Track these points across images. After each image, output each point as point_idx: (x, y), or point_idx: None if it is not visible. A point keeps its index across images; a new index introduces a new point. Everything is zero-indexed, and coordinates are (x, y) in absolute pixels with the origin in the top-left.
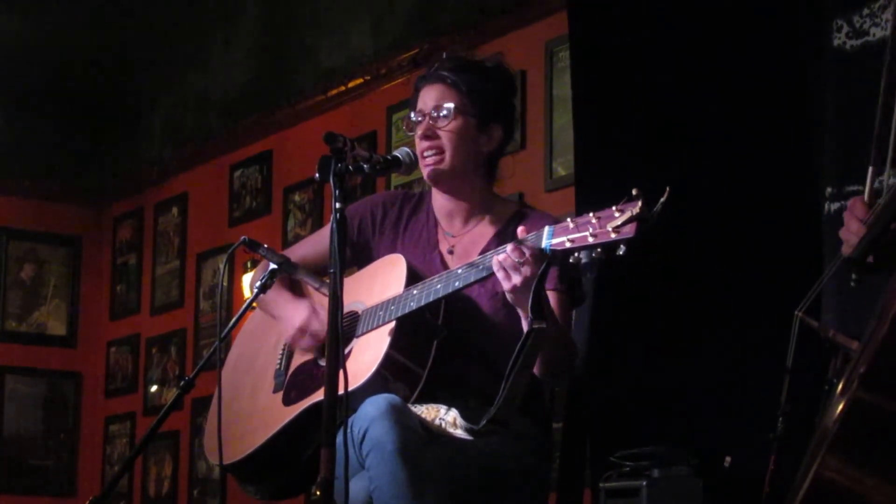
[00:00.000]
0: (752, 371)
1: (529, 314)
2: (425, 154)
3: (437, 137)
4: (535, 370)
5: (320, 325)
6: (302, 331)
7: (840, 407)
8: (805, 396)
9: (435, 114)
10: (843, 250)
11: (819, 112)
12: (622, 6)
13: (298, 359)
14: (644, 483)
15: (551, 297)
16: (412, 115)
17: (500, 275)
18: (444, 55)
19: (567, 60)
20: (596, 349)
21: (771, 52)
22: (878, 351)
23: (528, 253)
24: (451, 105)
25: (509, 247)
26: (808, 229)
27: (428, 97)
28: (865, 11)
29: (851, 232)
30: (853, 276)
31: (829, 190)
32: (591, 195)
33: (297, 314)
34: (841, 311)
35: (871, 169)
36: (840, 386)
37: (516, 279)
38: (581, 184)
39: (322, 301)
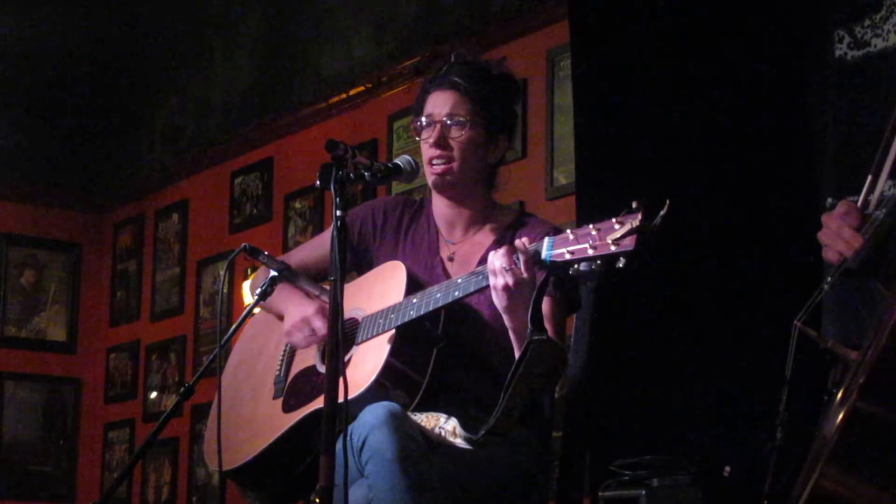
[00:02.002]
0: (752, 380)
1: (529, 325)
2: (434, 162)
3: (449, 147)
4: None
5: (322, 324)
6: (305, 321)
7: (839, 417)
8: (804, 406)
9: (448, 122)
10: (825, 255)
11: (820, 122)
12: (623, 15)
13: (298, 365)
14: (643, 492)
15: (546, 302)
16: (421, 119)
17: (491, 278)
18: (453, 58)
19: (568, 69)
20: (596, 358)
21: (772, 63)
22: (877, 361)
23: (521, 258)
24: (464, 115)
25: (502, 250)
26: (807, 239)
27: (440, 103)
28: (867, 22)
29: (843, 238)
30: (828, 278)
31: (829, 200)
32: (592, 204)
33: (306, 307)
34: (840, 321)
35: (869, 178)
36: (839, 396)
37: (500, 281)
38: (582, 193)
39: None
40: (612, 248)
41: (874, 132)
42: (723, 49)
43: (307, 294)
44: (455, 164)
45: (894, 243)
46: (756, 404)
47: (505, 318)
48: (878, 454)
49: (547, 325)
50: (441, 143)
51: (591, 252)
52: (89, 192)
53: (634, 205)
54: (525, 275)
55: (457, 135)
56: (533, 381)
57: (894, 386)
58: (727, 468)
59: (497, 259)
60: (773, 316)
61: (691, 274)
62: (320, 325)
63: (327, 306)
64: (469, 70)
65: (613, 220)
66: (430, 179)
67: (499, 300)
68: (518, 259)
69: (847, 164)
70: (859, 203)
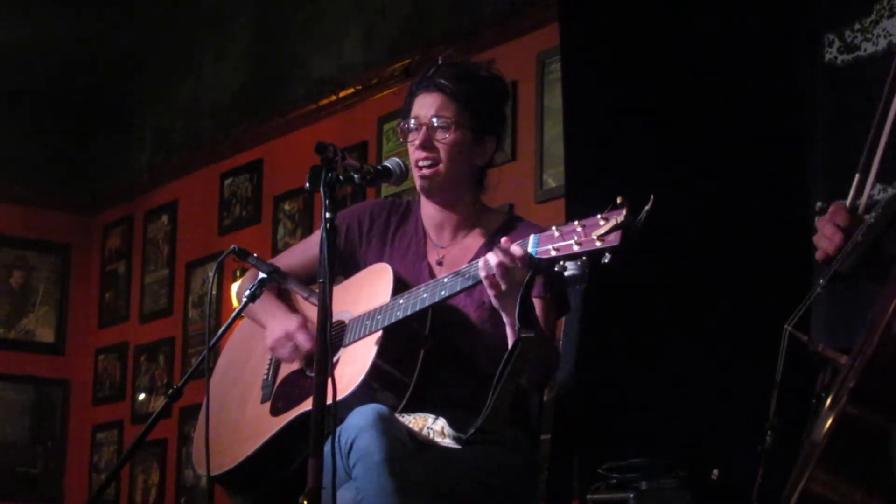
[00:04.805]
0: (741, 384)
1: (516, 323)
2: (420, 164)
3: (435, 149)
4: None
5: (306, 339)
6: (288, 337)
7: (829, 421)
8: (793, 410)
9: (434, 124)
10: (817, 256)
11: (810, 126)
12: (614, 18)
13: (286, 369)
14: (632, 495)
15: (537, 304)
16: (408, 122)
17: (486, 281)
18: (440, 60)
19: (558, 72)
20: (584, 361)
21: (762, 67)
22: (868, 366)
23: (515, 258)
24: (450, 117)
25: (496, 252)
26: (797, 243)
27: (426, 105)
28: (857, 26)
29: (825, 236)
30: (821, 281)
31: (818, 204)
32: (582, 206)
33: (288, 322)
34: (830, 325)
35: (857, 177)
36: (829, 400)
37: (503, 285)
38: (571, 195)
39: (311, 313)
40: (598, 243)
41: (864, 136)
42: (712, 52)
43: (290, 307)
44: (441, 167)
45: (888, 246)
46: (745, 407)
47: (503, 315)
48: (868, 458)
49: (542, 326)
50: (427, 145)
51: (576, 248)
52: (78, 193)
53: (619, 200)
54: (520, 277)
55: (442, 137)
56: (521, 378)
57: (884, 390)
58: (715, 471)
59: (493, 262)
60: (763, 319)
61: (680, 277)
62: (303, 340)
63: (310, 320)
64: (456, 72)
65: (598, 216)
66: (417, 182)
67: (496, 301)
68: (510, 261)
69: (837, 167)
70: (847, 203)
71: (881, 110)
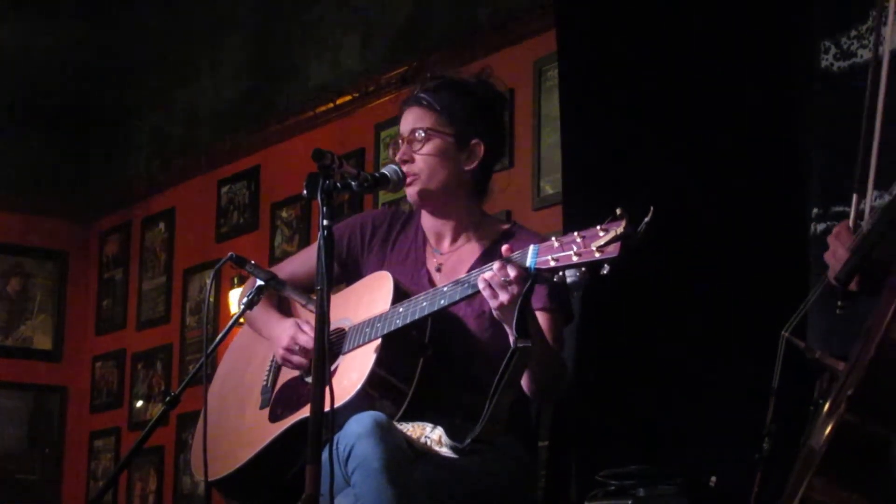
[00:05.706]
0: (738, 391)
1: (514, 332)
2: (407, 179)
3: (413, 161)
4: (524, 387)
5: (308, 339)
6: (290, 350)
7: (827, 429)
8: (791, 417)
9: (412, 137)
10: (829, 275)
11: (806, 133)
12: (611, 25)
13: (285, 375)
14: (629, 502)
15: (542, 316)
16: (397, 142)
17: (486, 293)
18: (428, 75)
19: (556, 79)
20: (582, 368)
21: (759, 73)
22: (866, 374)
23: (514, 271)
24: (424, 127)
25: (496, 265)
26: (794, 250)
27: (406, 121)
28: (853, 33)
29: (836, 257)
30: (839, 303)
31: (815, 210)
32: (579, 214)
33: (284, 333)
34: (827, 332)
35: (854, 197)
36: (826, 407)
37: (503, 297)
38: (568, 202)
39: (309, 318)
40: (597, 255)
41: (859, 142)
42: (709, 59)
43: (286, 314)
44: (422, 177)
45: (882, 255)
46: (743, 414)
47: (504, 325)
48: (866, 466)
49: (548, 338)
50: (405, 159)
51: (575, 259)
52: (76, 200)
53: (619, 212)
54: (517, 289)
55: (419, 148)
56: (520, 388)
57: (883, 398)
58: (713, 478)
59: (491, 276)
60: (760, 326)
61: (678, 284)
62: (306, 342)
63: (304, 321)
64: (436, 83)
65: (598, 227)
66: (408, 196)
67: (496, 312)
68: (510, 274)
69: (833, 173)
70: (850, 221)
71: (865, 129)
